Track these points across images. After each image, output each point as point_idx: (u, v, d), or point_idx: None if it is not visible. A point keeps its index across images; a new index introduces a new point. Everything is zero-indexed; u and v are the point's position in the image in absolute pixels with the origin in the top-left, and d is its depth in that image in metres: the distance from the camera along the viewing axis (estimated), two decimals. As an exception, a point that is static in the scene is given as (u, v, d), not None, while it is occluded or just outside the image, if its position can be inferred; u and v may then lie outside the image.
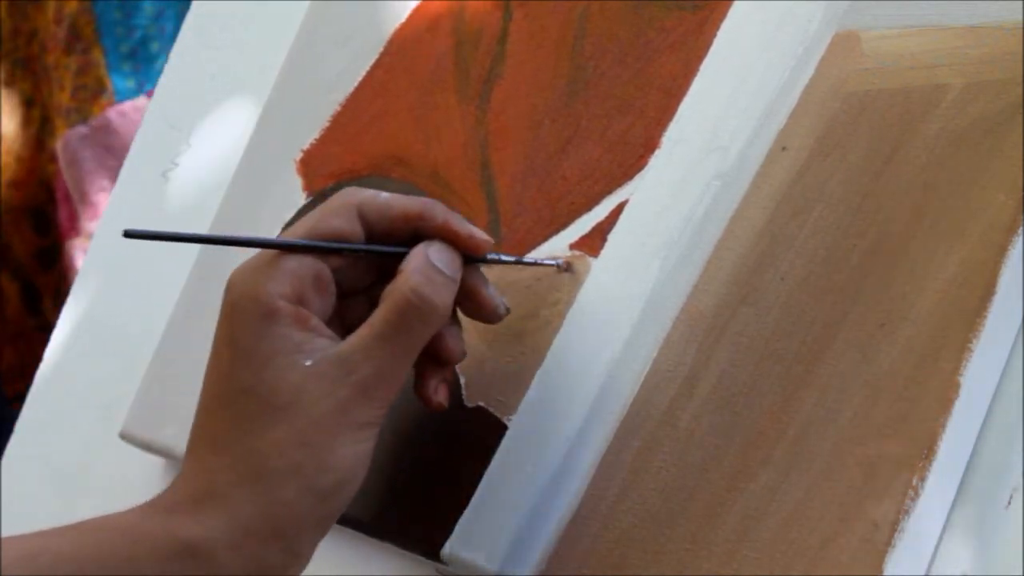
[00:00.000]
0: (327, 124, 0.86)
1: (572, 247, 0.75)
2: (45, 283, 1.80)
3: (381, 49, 0.86)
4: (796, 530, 0.65)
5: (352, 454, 0.62)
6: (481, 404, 0.73)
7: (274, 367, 0.62)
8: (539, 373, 0.73)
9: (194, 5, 0.98)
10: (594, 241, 0.75)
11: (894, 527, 0.63)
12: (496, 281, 0.75)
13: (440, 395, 0.68)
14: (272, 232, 0.84)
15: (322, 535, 0.64)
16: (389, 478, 0.74)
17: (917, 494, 0.64)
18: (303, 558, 0.63)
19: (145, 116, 0.97)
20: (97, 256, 0.95)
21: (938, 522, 0.64)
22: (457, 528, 0.71)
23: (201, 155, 0.93)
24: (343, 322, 0.67)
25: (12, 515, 0.91)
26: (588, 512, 0.69)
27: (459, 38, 0.83)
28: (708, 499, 0.67)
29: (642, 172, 0.75)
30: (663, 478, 0.68)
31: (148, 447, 0.84)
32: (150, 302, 0.89)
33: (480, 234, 0.67)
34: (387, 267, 0.67)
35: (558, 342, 0.73)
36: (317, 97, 0.87)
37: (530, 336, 0.74)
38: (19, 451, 0.93)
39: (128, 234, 0.63)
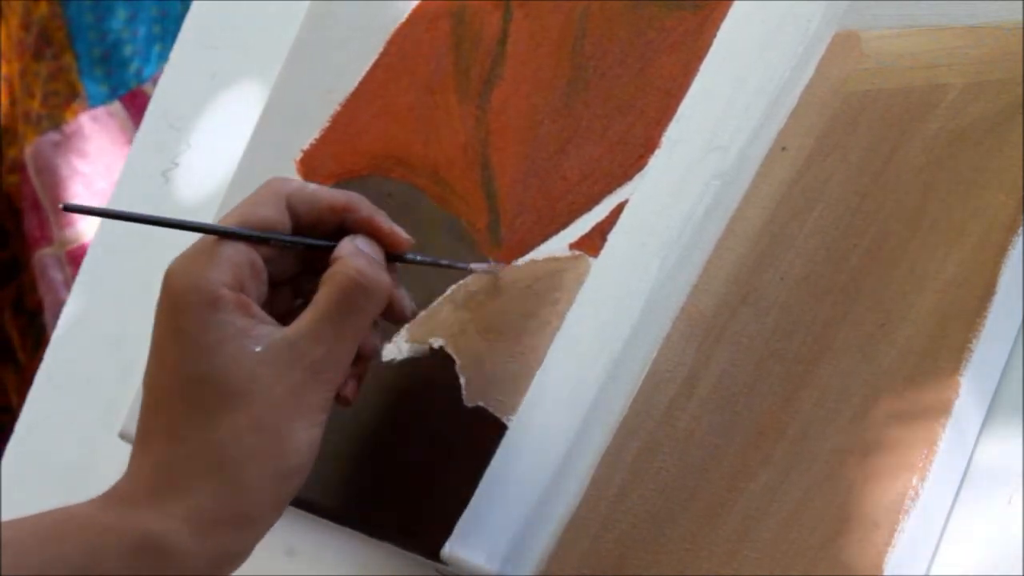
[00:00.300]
0: (327, 124, 0.86)
1: (572, 247, 0.75)
2: (2, 296, 1.78)
3: (381, 49, 0.86)
4: (796, 530, 0.65)
5: (307, 438, 0.63)
6: (481, 404, 0.73)
7: (224, 354, 0.61)
8: (539, 373, 0.73)
9: (194, 5, 0.98)
10: (594, 241, 0.75)
11: (894, 527, 0.63)
12: (496, 282, 0.75)
13: (348, 390, 0.68)
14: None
15: (278, 518, 0.64)
16: (389, 478, 0.74)
17: (917, 494, 0.64)
18: (259, 540, 0.63)
19: (145, 116, 0.97)
20: (97, 256, 0.95)
21: (938, 522, 0.64)
22: (457, 528, 0.71)
23: (201, 155, 0.93)
24: (269, 312, 0.66)
25: (12, 515, 0.91)
26: (588, 512, 0.69)
27: (459, 38, 0.83)
28: (708, 499, 0.67)
29: (642, 172, 0.75)
30: (663, 478, 0.68)
31: (148, 447, 0.84)
32: (150, 302, 0.89)
33: (402, 232, 0.68)
34: (311, 259, 0.68)
35: (558, 342, 0.73)
36: (317, 97, 0.87)
37: (530, 336, 0.74)
38: (19, 451, 0.93)
39: (66, 208, 0.63)
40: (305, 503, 0.76)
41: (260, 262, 0.65)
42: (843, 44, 0.73)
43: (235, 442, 0.61)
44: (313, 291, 0.66)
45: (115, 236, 0.94)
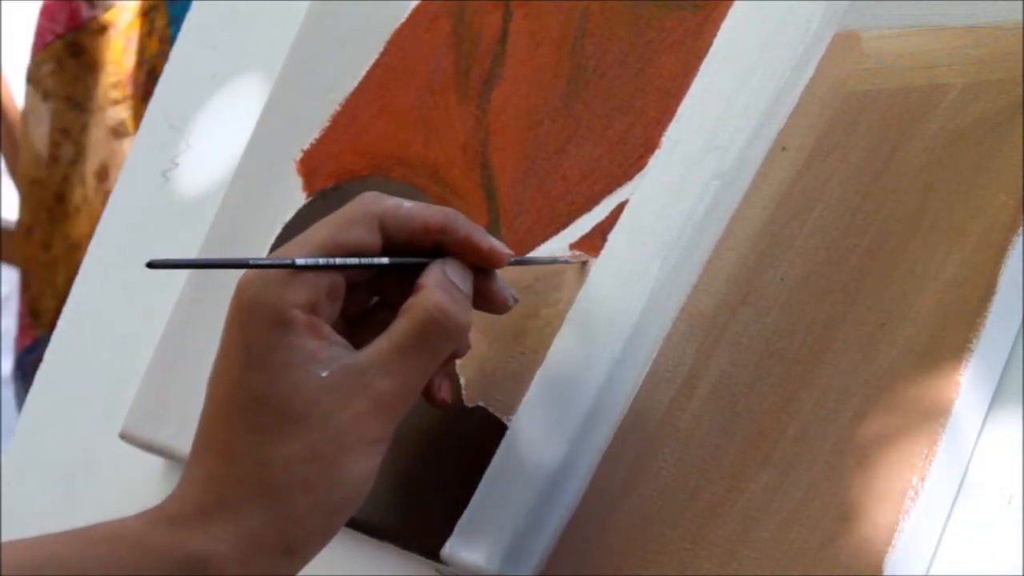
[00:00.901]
0: (327, 124, 0.86)
1: (572, 247, 0.75)
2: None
3: (381, 49, 0.86)
4: (796, 530, 0.65)
5: (363, 469, 0.62)
6: (481, 404, 0.73)
7: (288, 377, 0.61)
8: (539, 373, 0.73)
9: (194, 5, 0.98)
10: (594, 241, 0.75)
11: (894, 527, 0.63)
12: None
13: (444, 391, 0.68)
14: (274, 229, 0.84)
15: (324, 546, 0.63)
16: (389, 478, 0.74)
17: (917, 494, 0.64)
18: (304, 566, 0.63)
19: (145, 116, 0.97)
20: (97, 256, 0.95)
21: (938, 522, 0.64)
22: (457, 528, 0.71)
23: (201, 155, 0.93)
24: (344, 312, 0.66)
25: (12, 515, 0.91)
26: (588, 512, 0.69)
27: (459, 38, 0.83)
28: (708, 499, 0.67)
29: (642, 172, 0.75)
30: (663, 478, 0.68)
31: (148, 447, 0.84)
32: (150, 302, 0.89)
33: (500, 247, 0.67)
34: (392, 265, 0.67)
35: (558, 342, 0.73)
36: (317, 97, 0.87)
37: (530, 336, 0.74)
38: (19, 451, 0.93)
39: (152, 265, 0.61)
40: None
41: (342, 283, 0.64)
42: (843, 44, 0.73)
43: (289, 469, 0.60)
44: (393, 291, 0.65)
45: (115, 236, 0.94)
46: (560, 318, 0.73)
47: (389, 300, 0.67)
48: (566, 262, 0.74)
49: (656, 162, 0.75)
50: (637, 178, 0.75)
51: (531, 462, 0.71)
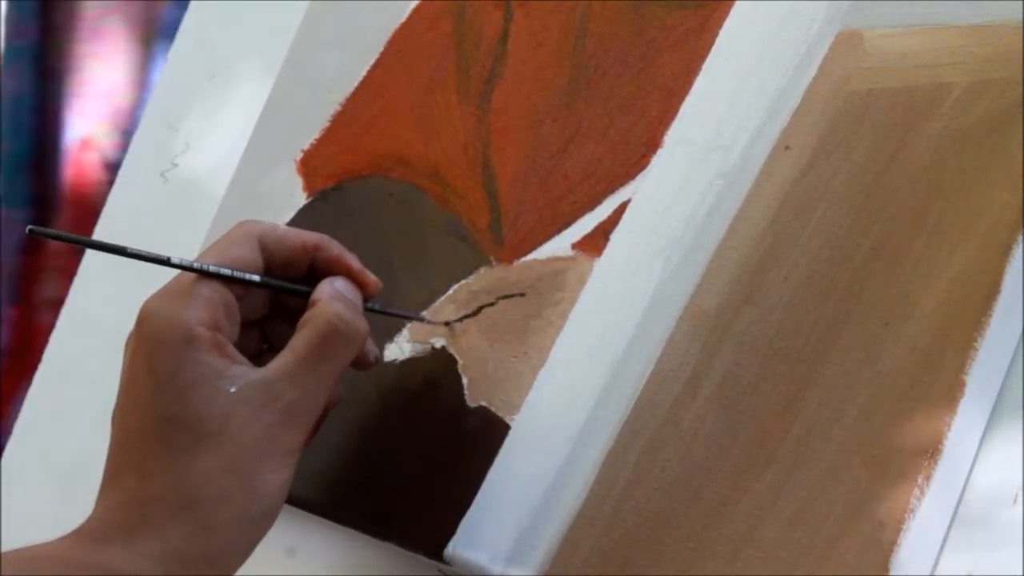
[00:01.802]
0: (327, 124, 0.86)
1: (574, 247, 0.75)
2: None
3: (381, 49, 0.86)
4: (801, 530, 0.65)
5: (279, 480, 0.63)
6: (484, 404, 0.73)
7: (198, 394, 0.61)
8: (542, 373, 0.72)
9: (193, 5, 0.98)
10: (596, 240, 0.74)
11: (899, 526, 0.63)
12: (500, 280, 0.75)
13: (335, 392, 0.68)
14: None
15: (246, 559, 0.63)
16: (392, 478, 0.74)
17: (923, 493, 0.63)
18: None
19: (144, 116, 0.97)
20: (97, 256, 0.95)
21: (943, 521, 0.63)
22: (460, 528, 0.71)
23: (201, 155, 0.93)
24: (241, 353, 0.66)
25: (12, 515, 0.91)
26: (592, 512, 0.69)
27: (460, 37, 0.83)
28: (712, 498, 0.67)
29: (644, 171, 0.75)
30: (667, 477, 0.68)
31: (148, 448, 0.84)
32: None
33: (371, 275, 0.69)
34: (281, 302, 0.69)
35: (561, 342, 0.73)
36: (317, 97, 0.87)
37: (533, 336, 0.74)
38: (19, 451, 0.93)
39: (32, 232, 0.63)
40: (306, 503, 0.76)
41: (235, 302, 0.65)
42: (846, 43, 0.73)
43: (208, 483, 0.61)
44: (283, 336, 0.66)
45: (115, 235, 0.94)
46: (563, 318, 0.73)
47: (277, 345, 0.68)
48: (428, 322, 0.76)
49: (658, 161, 0.75)
50: (639, 177, 0.75)
51: (534, 462, 0.71)
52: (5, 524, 0.90)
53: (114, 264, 0.93)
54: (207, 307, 0.63)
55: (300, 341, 0.64)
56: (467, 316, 0.76)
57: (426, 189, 0.80)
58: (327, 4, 0.89)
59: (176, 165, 0.94)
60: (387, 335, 0.77)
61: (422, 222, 0.80)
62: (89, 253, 0.96)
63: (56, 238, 0.65)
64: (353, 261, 0.69)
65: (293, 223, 0.84)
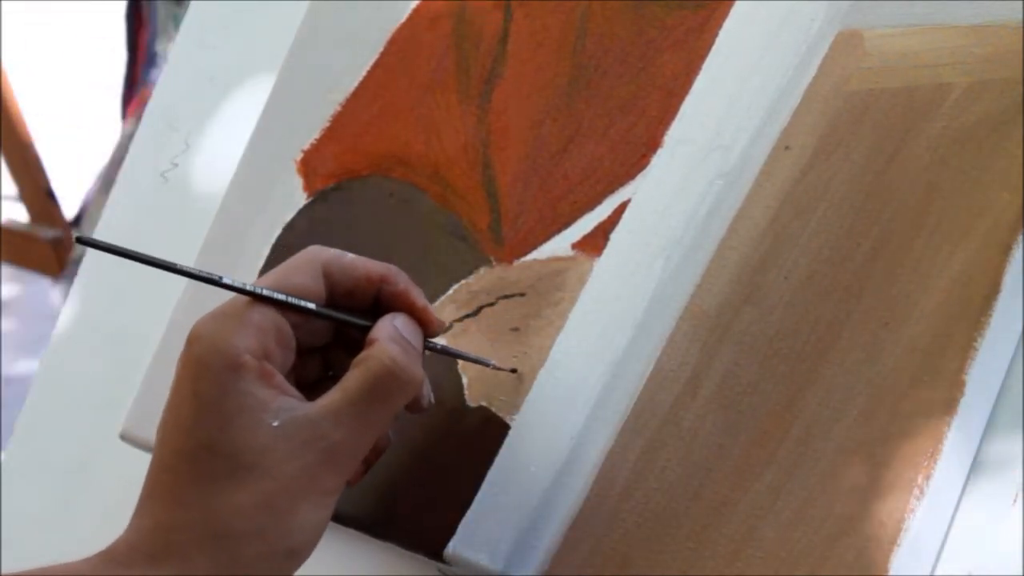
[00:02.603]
0: (327, 124, 0.86)
1: (574, 247, 0.75)
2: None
3: (381, 49, 0.86)
4: (801, 529, 0.65)
5: (315, 520, 0.62)
6: (484, 404, 0.73)
7: (240, 425, 0.60)
8: (542, 373, 0.72)
9: (193, 5, 0.98)
10: (596, 240, 0.74)
11: (899, 526, 0.63)
12: (500, 280, 0.75)
13: (355, 475, 0.66)
14: (274, 229, 0.84)
15: None
16: (392, 478, 0.74)
17: (923, 493, 0.63)
18: None
19: (144, 116, 0.97)
20: (97, 256, 0.95)
21: (943, 521, 0.64)
22: (460, 528, 0.71)
23: (201, 155, 0.93)
24: (297, 380, 0.65)
25: (12, 515, 0.91)
26: (592, 512, 0.69)
27: (460, 38, 0.83)
28: (712, 498, 0.67)
29: (644, 171, 0.75)
30: (667, 478, 0.68)
31: (148, 447, 0.84)
32: (150, 302, 0.89)
33: (434, 314, 0.67)
34: (344, 330, 0.67)
35: (561, 341, 0.73)
36: (317, 97, 0.87)
37: (533, 335, 0.74)
38: (19, 451, 0.93)
39: (80, 240, 0.62)
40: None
41: (289, 329, 0.64)
42: (846, 43, 0.73)
43: (239, 516, 0.60)
44: (345, 365, 0.65)
45: (115, 235, 0.94)
46: (563, 317, 0.73)
47: (339, 373, 0.66)
48: (494, 367, 0.73)
49: (658, 161, 0.75)
50: (639, 177, 0.75)
51: (534, 462, 0.71)
52: (5, 524, 0.90)
53: (115, 264, 0.94)
54: (257, 334, 0.62)
55: (352, 381, 0.63)
56: (467, 316, 0.76)
57: (426, 189, 0.80)
58: (327, 4, 0.89)
59: (176, 165, 0.94)
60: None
61: (422, 222, 0.80)
62: (91, 252, 0.96)
63: (104, 249, 0.64)
64: (418, 298, 0.67)
65: (293, 223, 0.84)
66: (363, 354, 0.64)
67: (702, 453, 0.68)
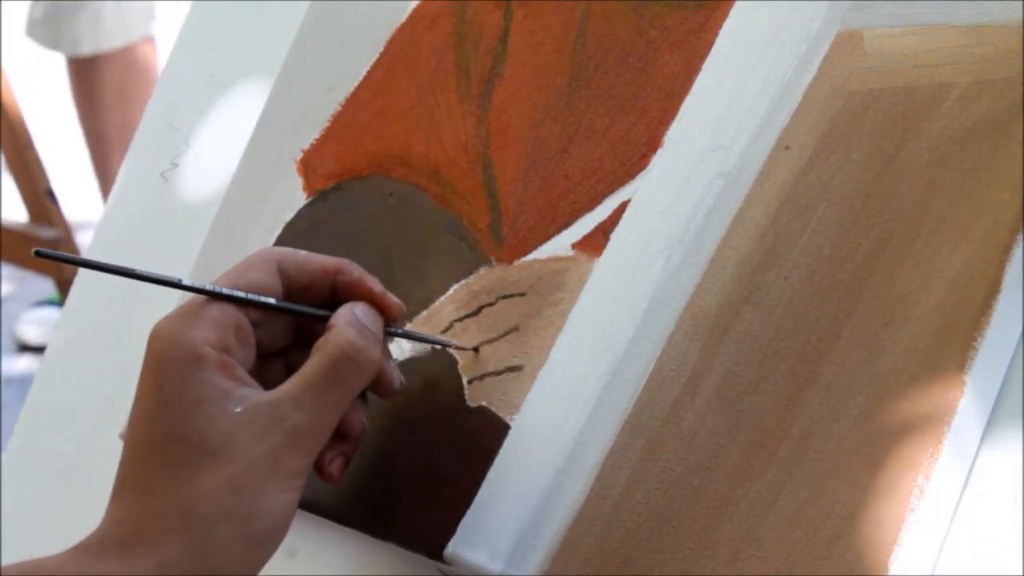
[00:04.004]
0: (327, 124, 0.86)
1: (574, 246, 0.75)
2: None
3: (381, 49, 0.86)
4: (801, 529, 0.65)
5: (282, 502, 0.63)
6: (484, 404, 0.73)
7: (202, 412, 0.62)
8: (542, 373, 0.72)
9: (194, 5, 0.98)
10: (596, 240, 0.74)
11: (899, 526, 0.63)
12: (500, 280, 0.75)
13: (335, 467, 0.68)
14: (275, 229, 0.84)
15: None
16: (392, 478, 0.74)
17: (923, 493, 0.63)
18: None
19: (144, 116, 0.97)
20: (97, 256, 0.95)
21: (944, 522, 0.63)
22: (460, 528, 0.71)
23: (201, 155, 0.93)
24: (260, 382, 0.66)
25: (12, 515, 0.91)
26: (592, 512, 0.69)
27: (460, 37, 0.83)
28: (713, 498, 0.67)
29: (644, 171, 0.75)
30: (667, 477, 0.68)
31: (148, 447, 0.84)
32: (150, 302, 0.89)
33: (393, 297, 0.69)
34: (304, 330, 0.69)
35: (561, 341, 0.73)
36: (317, 97, 0.87)
37: (533, 335, 0.74)
38: (19, 451, 0.93)
39: (39, 254, 0.64)
40: (307, 503, 0.76)
41: (248, 325, 0.66)
42: (846, 43, 0.73)
43: (206, 500, 0.61)
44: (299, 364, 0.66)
45: (116, 235, 0.94)
46: (563, 317, 0.73)
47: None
48: (456, 347, 0.74)
49: (658, 161, 0.75)
50: (639, 177, 0.75)
51: (534, 462, 0.71)
52: (5, 524, 0.90)
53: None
54: (216, 328, 0.64)
55: (311, 366, 0.64)
56: (467, 316, 0.76)
57: (426, 189, 0.80)
58: (327, 4, 0.89)
59: (176, 165, 0.94)
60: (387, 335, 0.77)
61: (422, 222, 0.80)
62: (91, 249, 0.96)
63: (64, 260, 0.65)
64: (375, 284, 0.69)
65: (293, 223, 0.84)
66: (321, 339, 0.65)
67: (702, 453, 0.68)
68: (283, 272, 0.67)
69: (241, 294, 0.65)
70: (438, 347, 0.75)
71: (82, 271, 0.95)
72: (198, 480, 0.61)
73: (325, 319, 0.67)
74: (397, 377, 0.69)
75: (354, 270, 0.69)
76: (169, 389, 0.62)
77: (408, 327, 0.77)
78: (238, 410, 0.62)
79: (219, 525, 0.61)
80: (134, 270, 0.65)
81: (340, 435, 0.68)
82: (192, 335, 0.63)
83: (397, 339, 0.76)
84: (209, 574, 0.61)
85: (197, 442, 0.61)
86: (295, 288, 0.68)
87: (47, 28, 2.57)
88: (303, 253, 0.68)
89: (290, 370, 0.69)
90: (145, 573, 0.60)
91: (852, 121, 0.71)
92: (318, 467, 0.67)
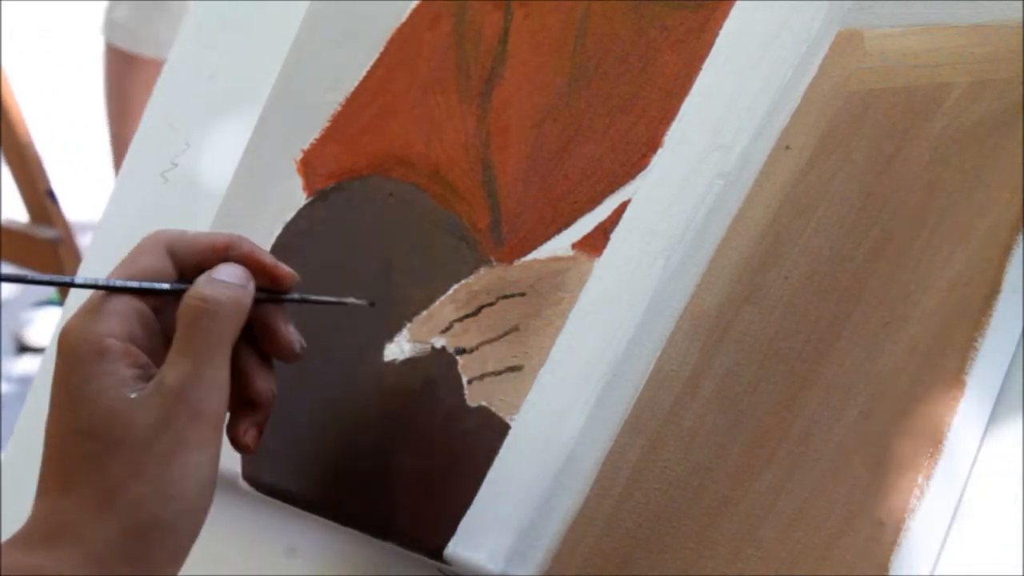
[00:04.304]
0: (327, 124, 0.86)
1: (574, 246, 0.75)
2: None
3: (381, 49, 0.86)
4: (801, 529, 0.65)
5: (196, 476, 0.63)
6: (484, 404, 0.73)
7: (104, 403, 0.62)
8: (542, 372, 0.72)
9: (194, 5, 0.98)
10: (597, 240, 0.74)
11: (899, 526, 0.63)
12: (500, 279, 0.75)
13: (248, 437, 0.68)
14: (274, 229, 0.84)
15: (178, 566, 0.64)
16: (392, 478, 0.74)
17: (922, 493, 0.63)
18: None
19: (145, 116, 0.97)
20: (97, 256, 0.95)
21: (943, 521, 0.64)
22: (460, 528, 0.71)
23: (201, 155, 0.93)
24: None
25: (12, 515, 0.91)
26: (592, 512, 0.69)
27: (460, 37, 0.83)
28: (712, 498, 0.67)
29: (644, 171, 0.75)
30: (667, 477, 0.68)
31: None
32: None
33: (284, 267, 0.69)
34: None
35: (561, 341, 0.73)
36: (317, 97, 0.87)
37: (533, 335, 0.74)
38: (19, 451, 0.93)
39: None
40: (306, 502, 0.76)
41: (148, 312, 0.66)
42: (846, 43, 0.73)
43: (120, 488, 0.61)
44: None
45: (116, 235, 0.94)
46: (563, 317, 0.73)
47: None
48: (352, 303, 0.74)
49: (659, 161, 0.75)
50: (640, 177, 0.75)
51: (534, 462, 0.71)
52: (5, 524, 0.90)
53: (114, 266, 0.94)
54: (119, 320, 0.64)
55: (175, 335, 0.65)
56: (467, 316, 0.76)
57: (426, 189, 0.80)
58: (327, 4, 0.89)
59: (176, 165, 0.94)
60: (387, 335, 0.77)
61: (422, 222, 0.80)
62: (92, 251, 0.96)
63: None
64: (265, 256, 0.69)
65: (293, 223, 0.84)
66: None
67: (702, 453, 0.68)
68: (173, 254, 0.67)
69: (135, 284, 0.66)
70: (336, 303, 0.74)
71: (82, 270, 0.95)
72: (109, 470, 0.62)
73: None
74: (297, 340, 0.69)
75: (243, 244, 0.69)
76: (74, 384, 0.63)
77: (408, 327, 0.77)
78: (134, 396, 0.62)
79: (134, 511, 0.61)
80: (25, 276, 0.66)
81: (250, 404, 0.68)
82: (96, 328, 0.64)
83: (399, 340, 0.76)
84: (131, 559, 0.61)
85: (103, 434, 0.62)
86: (187, 268, 0.68)
87: (127, 30, 2.57)
88: (191, 233, 0.68)
89: None
90: (70, 563, 0.61)
91: (852, 121, 0.71)
92: (233, 439, 0.68)
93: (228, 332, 0.66)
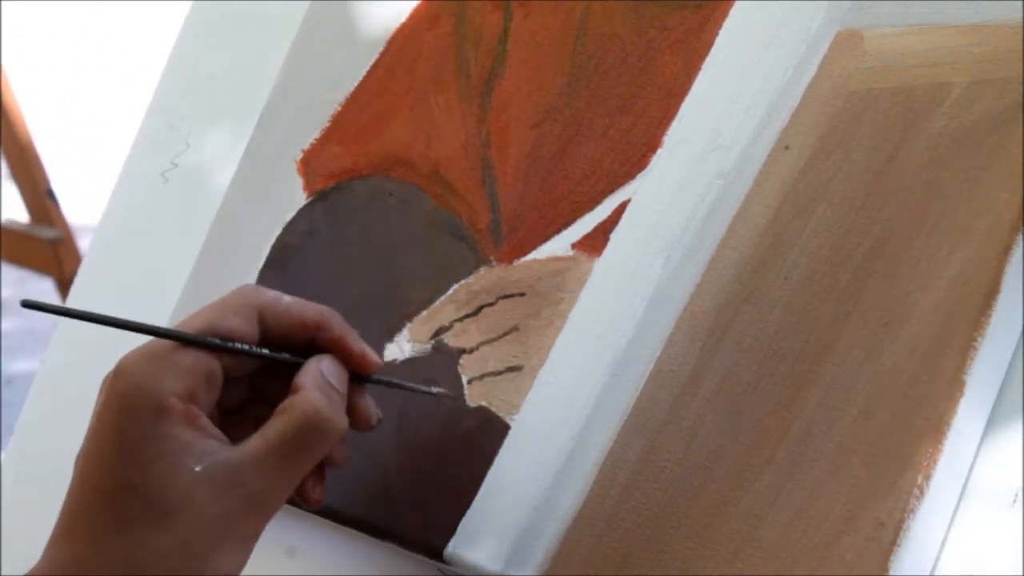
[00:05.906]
0: (327, 124, 0.86)
1: (574, 246, 0.75)
2: None
3: (381, 49, 0.86)
4: (801, 529, 0.65)
5: (231, 564, 0.61)
6: (484, 404, 0.73)
7: (161, 468, 0.60)
8: (542, 372, 0.72)
9: (194, 5, 0.98)
10: (596, 240, 0.74)
11: (899, 526, 0.63)
12: (500, 280, 0.75)
13: (318, 493, 0.66)
14: (274, 229, 0.84)
15: None
16: (392, 478, 0.74)
17: (922, 493, 0.63)
18: None
19: (145, 116, 0.97)
20: (97, 256, 0.95)
21: (943, 521, 0.64)
22: (460, 528, 0.71)
23: (201, 155, 0.93)
24: (220, 405, 0.65)
25: (12, 515, 0.91)
26: (592, 511, 0.69)
27: (460, 37, 0.83)
28: (712, 498, 0.67)
29: (644, 171, 0.75)
30: (667, 477, 0.68)
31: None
32: (150, 302, 0.89)
33: (372, 354, 0.67)
34: (268, 375, 0.67)
35: (561, 341, 0.73)
36: (317, 97, 0.87)
37: (533, 335, 0.74)
38: (19, 451, 0.93)
39: (25, 304, 0.62)
40: (307, 503, 0.76)
41: (219, 371, 0.63)
42: (846, 43, 0.73)
43: (157, 560, 0.59)
44: (269, 388, 0.65)
45: (116, 235, 0.94)
46: (563, 317, 0.73)
47: (264, 395, 0.67)
48: (437, 394, 0.74)
49: (658, 161, 0.75)
50: (639, 177, 0.75)
51: (534, 462, 0.71)
52: (5, 524, 0.90)
53: (115, 265, 0.94)
54: (186, 376, 0.62)
55: (274, 431, 0.62)
56: (467, 316, 0.76)
57: (426, 189, 0.80)
58: (327, 4, 0.89)
59: (176, 165, 0.94)
60: (387, 335, 0.77)
61: (422, 222, 0.80)
62: (92, 252, 0.96)
63: (45, 310, 0.64)
64: (353, 342, 0.66)
65: (293, 223, 0.84)
66: (287, 402, 0.63)
67: (702, 453, 0.68)
68: (262, 320, 0.65)
69: (217, 342, 0.63)
70: (420, 392, 0.74)
71: (82, 269, 0.95)
72: (149, 539, 0.59)
73: (296, 365, 0.65)
74: (375, 414, 0.68)
75: (335, 325, 0.66)
76: (130, 438, 0.60)
77: (408, 327, 0.77)
78: (197, 469, 0.60)
79: None
80: (115, 319, 0.63)
81: (324, 464, 0.67)
82: (161, 385, 0.61)
83: (399, 340, 0.76)
84: None
85: (153, 499, 0.60)
86: (273, 335, 0.66)
87: None
88: (285, 302, 0.66)
89: (251, 389, 0.68)
90: None
91: (852, 121, 0.71)
92: (303, 496, 0.66)
93: (327, 451, 0.64)
